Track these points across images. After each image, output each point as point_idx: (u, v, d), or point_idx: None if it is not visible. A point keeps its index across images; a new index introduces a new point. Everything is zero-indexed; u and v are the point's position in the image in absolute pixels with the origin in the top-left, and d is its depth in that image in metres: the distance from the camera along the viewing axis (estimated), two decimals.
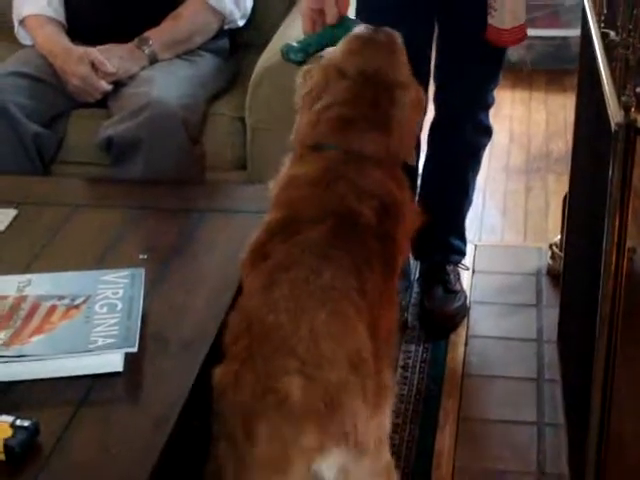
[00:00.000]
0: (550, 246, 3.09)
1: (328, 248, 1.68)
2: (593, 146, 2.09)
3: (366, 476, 1.56)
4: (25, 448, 1.47)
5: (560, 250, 2.95)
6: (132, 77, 2.78)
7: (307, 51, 2.08)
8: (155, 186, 2.45)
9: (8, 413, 1.51)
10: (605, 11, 2.04)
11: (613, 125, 1.67)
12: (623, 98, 1.68)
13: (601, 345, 1.78)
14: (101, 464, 1.47)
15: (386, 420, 1.65)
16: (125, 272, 1.86)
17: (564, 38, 4.64)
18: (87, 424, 1.56)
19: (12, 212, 2.20)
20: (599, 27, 2.04)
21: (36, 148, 2.70)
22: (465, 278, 2.98)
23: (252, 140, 2.76)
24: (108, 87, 2.76)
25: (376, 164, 1.84)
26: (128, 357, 1.66)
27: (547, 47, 4.69)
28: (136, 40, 2.81)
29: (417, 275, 2.98)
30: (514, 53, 4.38)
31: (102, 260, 2.00)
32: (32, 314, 1.74)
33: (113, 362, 1.64)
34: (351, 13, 2.31)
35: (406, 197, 1.87)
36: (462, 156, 2.80)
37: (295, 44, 2.10)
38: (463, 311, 2.85)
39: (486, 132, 2.79)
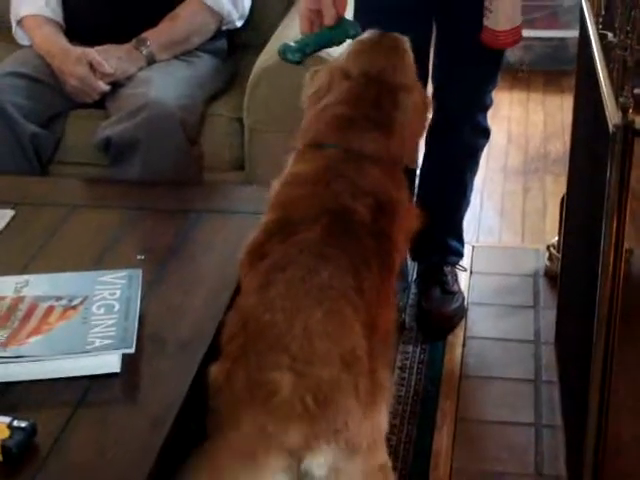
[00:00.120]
0: (548, 247, 3.09)
1: (324, 247, 1.69)
2: (591, 147, 2.09)
3: (359, 476, 1.55)
4: (22, 449, 1.46)
5: (558, 251, 2.95)
6: (130, 78, 2.78)
7: (304, 51, 2.09)
8: (153, 187, 2.45)
9: (5, 414, 1.51)
10: (603, 12, 2.04)
11: (611, 126, 1.67)
12: (621, 99, 1.69)
13: (599, 346, 1.78)
14: (98, 465, 1.47)
15: (382, 420, 1.64)
16: (122, 273, 1.86)
17: (562, 39, 4.65)
18: (84, 425, 1.55)
19: (9, 212, 2.19)
20: (597, 28, 2.04)
21: (34, 148, 2.69)
22: (463, 279, 2.98)
23: (250, 141, 2.75)
24: (106, 88, 2.76)
25: (375, 163, 1.84)
26: (125, 358, 1.65)
27: (545, 48, 4.70)
28: (134, 41, 2.81)
29: (415, 276, 2.98)
30: (512, 54, 4.38)
31: (99, 261, 2.00)
32: (29, 315, 1.74)
33: (110, 363, 1.64)
34: (349, 14, 2.31)
35: (403, 197, 1.87)
36: (460, 157, 2.80)
37: (292, 44, 2.10)
38: (461, 312, 2.86)
39: (484, 133, 2.79)
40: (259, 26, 3.08)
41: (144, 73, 2.78)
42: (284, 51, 2.09)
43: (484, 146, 2.83)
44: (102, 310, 1.75)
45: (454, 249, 2.91)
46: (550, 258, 3.06)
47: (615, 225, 1.70)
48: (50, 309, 1.76)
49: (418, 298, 2.88)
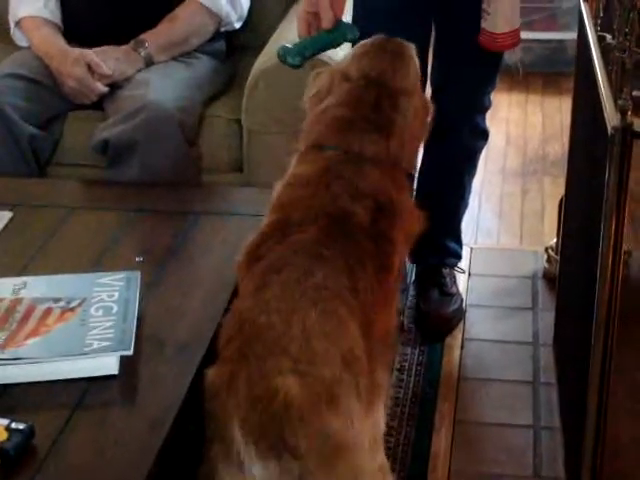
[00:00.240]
0: (546, 249, 3.09)
1: (320, 248, 1.69)
2: (589, 149, 2.09)
3: (362, 475, 1.55)
4: (20, 451, 1.46)
5: (556, 253, 2.95)
6: (128, 79, 2.78)
7: (304, 54, 2.09)
8: (151, 188, 2.45)
9: (3, 416, 1.51)
10: (601, 14, 2.05)
11: (609, 128, 1.67)
12: (619, 101, 1.69)
13: (597, 348, 1.78)
14: (96, 467, 1.47)
15: (380, 419, 1.64)
16: (121, 275, 1.86)
17: (560, 41, 4.65)
18: (82, 427, 1.55)
19: (7, 214, 2.19)
20: (595, 30, 2.04)
21: (32, 150, 2.69)
22: (461, 281, 2.98)
23: (248, 142, 2.75)
24: (104, 89, 2.76)
25: (375, 165, 1.84)
26: (123, 360, 1.65)
27: (544, 50, 4.70)
28: (132, 42, 2.81)
29: (413, 278, 2.98)
30: (510, 56, 4.38)
31: (98, 263, 2.00)
32: (27, 317, 1.74)
33: (108, 365, 1.64)
34: (347, 18, 2.31)
35: (404, 199, 1.87)
36: (458, 159, 2.80)
37: (291, 46, 2.10)
38: (459, 314, 2.85)
39: (483, 135, 2.79)
40: (257, 28, 3.08)
41: (142, 75, 2.78)
42: (284, 55, 2.09)
43: (482, 148, 2.83)
44: (100, 312, 1.75)
45: (452, 251, 2.90)
46: (548, 260, 3.06)
47: (614, 227, 1.70)
48: (48, 311, 1.75)
49: (416, 300, 2.87)
